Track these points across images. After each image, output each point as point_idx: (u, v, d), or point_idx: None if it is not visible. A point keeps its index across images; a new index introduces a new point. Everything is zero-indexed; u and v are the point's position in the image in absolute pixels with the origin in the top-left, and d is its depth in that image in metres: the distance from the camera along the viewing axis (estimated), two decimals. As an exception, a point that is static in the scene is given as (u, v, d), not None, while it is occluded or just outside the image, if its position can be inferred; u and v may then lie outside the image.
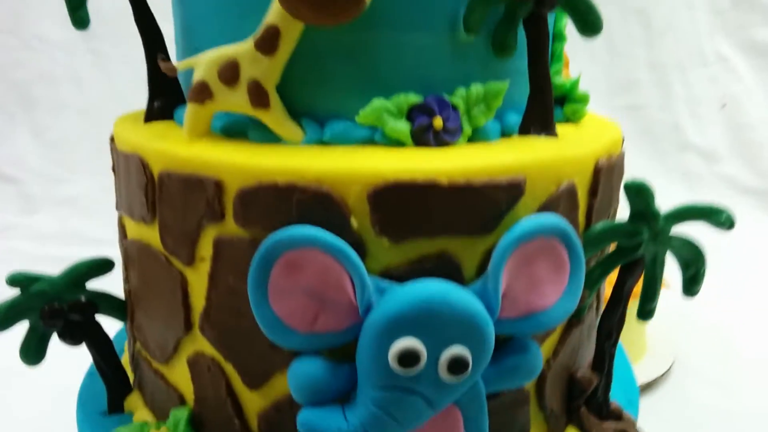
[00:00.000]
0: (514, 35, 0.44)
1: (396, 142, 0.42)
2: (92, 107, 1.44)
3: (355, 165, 0.38)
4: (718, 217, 0.47)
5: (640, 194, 0.45)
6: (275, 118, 0.42)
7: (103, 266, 0.51)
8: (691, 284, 0.50)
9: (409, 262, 0.40)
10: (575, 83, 0.52)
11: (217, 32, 0.44)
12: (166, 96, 0.49)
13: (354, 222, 0.38)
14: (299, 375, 0.39)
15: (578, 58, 0.80)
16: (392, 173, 0.38)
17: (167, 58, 0.48)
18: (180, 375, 0.46)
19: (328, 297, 0.38)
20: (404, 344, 0.37)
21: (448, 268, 0.40)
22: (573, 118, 0.52)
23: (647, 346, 0.85)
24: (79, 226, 1.36)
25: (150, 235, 0.45)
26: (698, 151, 1.70)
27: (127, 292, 0.52)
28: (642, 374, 0.77)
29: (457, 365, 0.37)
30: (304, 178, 0.38)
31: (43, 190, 1.40)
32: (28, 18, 1.43)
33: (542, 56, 0.44)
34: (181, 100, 0.49)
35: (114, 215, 1.37)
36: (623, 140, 0.50)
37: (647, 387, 0.79)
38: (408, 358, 0.37)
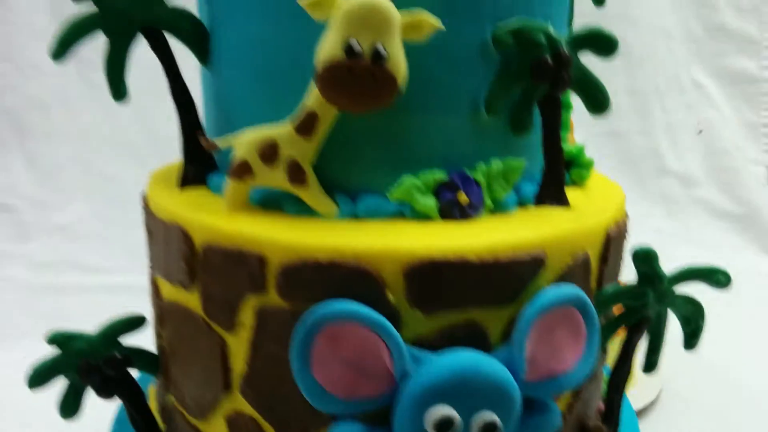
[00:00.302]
0: (530, 115, 0.47)
1: (424, 216, 0.45)
2: (85, 134, 1.46)
3: (390, 243, 0.42)
4: (716, 277, 0.51)
5: (646, 260, 0.49)
6: (312, 194, 0.45)
7: (136, 323, 0.54)
8: (692, 338, 0.54)
9: (440, 331, 0.43)
10: (581, 150, 0.55)
11: (254, 110, 0.47)
12: (199, 162, 0.51)
13: (390, 296, 0.41)
14: (338, 438, 0.42)
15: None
16: (426, 251, 0.41)
17: (200, 127, 0.51)
18: (217, 431, 0.49)
19: (367, 365, 0.41)
20: (440, 412, 0.40)
21: (475, 336, 0.43)
22: (579, 182, 0.56)
23: (635, 375, 0.89)
24: (73, 253, 1.37)
25: (189, 299, 0.48)
26: (676, 175, 1.75)
27: (161, 347, 0.54)
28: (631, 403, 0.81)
29: (488, 429, 0.41)
30: (344, 255, 0.41)
31: (36, 217, 1.40)
32: (20, 44, 1.44)
33: (556, 133, 0.48)
34: (213, 166, 0.52)
35: (109, 243, 1.37)
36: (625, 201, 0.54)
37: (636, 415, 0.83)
38: (443, 424, 0.40)
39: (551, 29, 0.45)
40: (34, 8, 1.42)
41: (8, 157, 1.43)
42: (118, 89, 0.49)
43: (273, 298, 0.43)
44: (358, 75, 0.40)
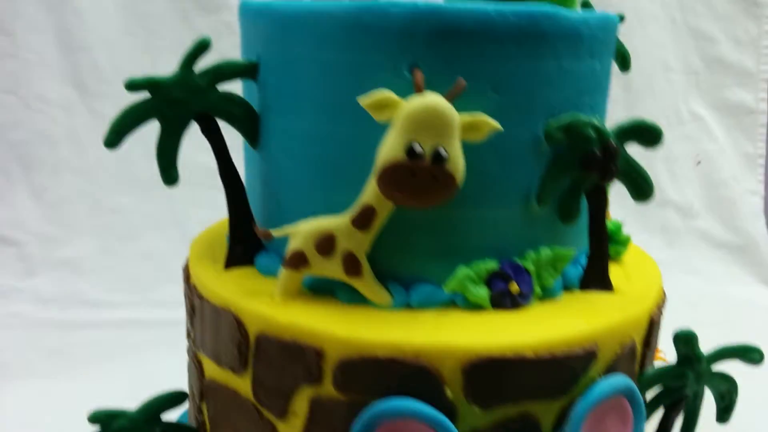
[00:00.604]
0: (578, 204, 0.48)
1: (476, 306, 0.46)
2: (91, 168, 1.45)
3: (449, 339, 0.42)
4: (751, 356, 0.52)
5: (688, 343, 0.50)
6: (366, 284, 0.45)
7: (177, 399, 0.54)
8: (725, 413, 0.55)
9: (495, 424, 0.43)
10: (619, 226, 0.56)
11: (306, 197, 0.48)
12: (246, 243, 0.51)
13: (449, 392, 0.42)
14: None
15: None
16: (484, 349, 0.42)
17: (248, 210, 0.52)
18: None
19: (424, 460, 0.42)
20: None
21: (528, 427, 0.44)
22: (615, 258, 0.57)
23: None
24: (78, 288, 1.36)
25: (238, 383, 0.48)
26: (676, 206, 1.78)
27: (201, 423, 0.54)
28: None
29: None
30: (404, 353, 0.42)
31: (42, 251, 1.40)
32: (26, 77, 1.44)
33: (602, 222, 0.49)
34: (260, 246, 0.52)
35: (115, 277, 1.36)
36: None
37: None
38: None
39: (599, 122, 0.46)
40: (42, 41, 1.42)
41: (14, 191, 1.42)
42: (170, 175, 0.49)
43: (328, 389, 0.44)
44: (418, 175, 0.41)
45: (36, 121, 1.43)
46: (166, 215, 1.49)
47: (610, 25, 0.48)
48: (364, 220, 0.44)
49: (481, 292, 0.46)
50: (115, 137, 0.46)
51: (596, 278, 0.50)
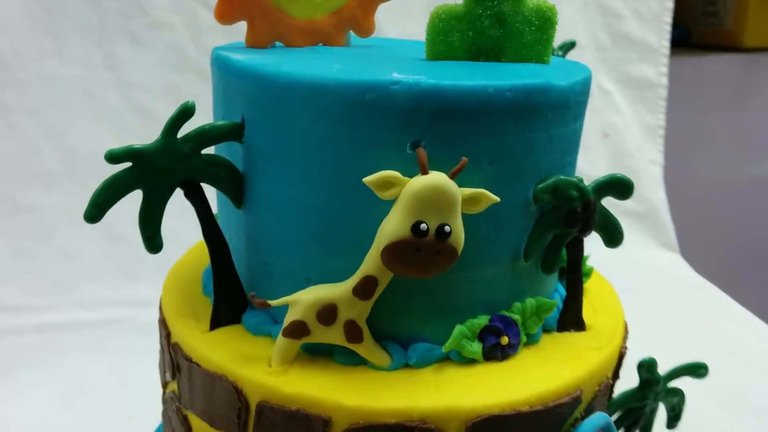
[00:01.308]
0: (559, 257, 0.51)
1: (469, 360, 0.48)
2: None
3: (452, 402, 0.44)
4: (699, 372, 0.58)
5: (650, 369, 0.55)
6: (367, 349, 0.47)
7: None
8: (674, 420, 0.61)
9: (492, 471, 0.46)
10: (584, 258, 0.60)
11: (296, 259, 0.48)
12: (232, 302, 0.51)
13: (453, 450, 0.44)
14: None
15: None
16: (485, 408, 0.44)
17: (233, 271, 0.51)
18: None
19: None
20: None
21: (522, 471, 0.47)
22: (581, 288, 0.60)
23: None
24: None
25: (237, 445, 0.48)
26: (586, 177, 1.87)
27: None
28: None
29: None
30: (411, 418, 0.44)
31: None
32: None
33: (579, 270, 0.52)
34: (245, 303, 0.52)
35: (32, 280, 1.31)
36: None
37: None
38: None
39: (581, 183, 0.49)
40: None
41: None
42: (155, 243, 0.48)
43: (335, 452, 0.45)
44: (423, 251, 0.42)
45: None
46: (82, 210, 1.43)
47: (588, 83, 0.50)
48: (365, 289, 0.45)
49: (476, 348, 0.48)
50: (96, 211, 0.44)
51: (572, 320, 0.53)
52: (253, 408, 0.46)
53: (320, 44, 0.55)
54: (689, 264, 1.92)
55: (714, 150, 2.09)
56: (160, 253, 1.41)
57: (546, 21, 0.52)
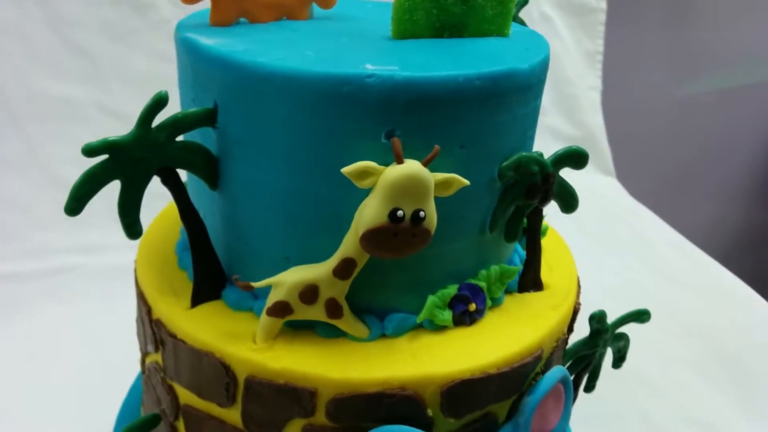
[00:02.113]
0: (521, 226, 0.55)
1: (440, 327, 0.52)
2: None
3: (428, 370, 0.48)
4: (642, 317, 0.64)
5: (600, 321, 0.60)
6: (346, 322, 0.50)
7: (152, 423, 0.56)
8: (620, 361, 0.67)
9: (464, 427, 0.51)
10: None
11: (274, 238, 0.50)
12: (211, 280, 0.53)
13: (429, 412, 0.49)
14: None
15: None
16: (459, 373, 0.49)
17: (212, 250, 0.53)
18: None
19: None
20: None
21: (489, 424, 0.52)
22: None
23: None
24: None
25: (225, 414, 0.52)
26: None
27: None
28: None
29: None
30: (391, 386, 0.48)
31: None
32: None
33: (537, 234, 0.56)
34: (225, 280, 0.54)
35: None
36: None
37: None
38: None
39: (541, 157, 0.52)
40: None
41: None
42: (135, 230, 0.49)
43: (321, 419, 0.49)
44: (400, 235, 0.45)
45: None
46: (23, 156, 1.39)
47: (547, 61, 0.52)
48: (344, 271, 0.47)
49: (446, 316, 0.52)
50: (76, 204, 0.45)
51: (531, 281, 0.58)
52: (241, 382, 0.49)
53: (284, 18, 0.55)
54: (624, 187, 2.00)
55: (649, 71, 2.13)
56: (103, 195, 1.40)
57: (506, -5, 0.53)
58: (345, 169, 0.43)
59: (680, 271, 1.51)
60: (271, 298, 0.48)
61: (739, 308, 1.36)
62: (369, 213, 0.44)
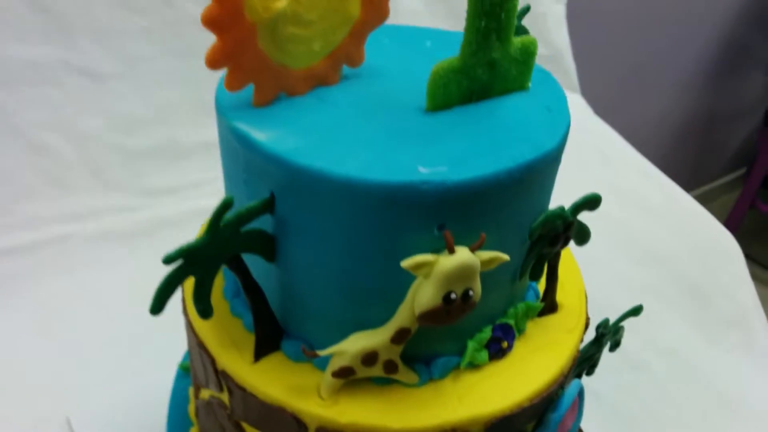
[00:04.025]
0: (543, 267, 0.61)
1: (477, 365, 0.60)
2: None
3: (474, 412, 0.56)
4: (637, 312, 0.73)
5: (605, 326, 0.69)
6: (400, 374, 0.57)
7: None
8: (615, 346, 0.77)
9: (498, 448, 0.60)
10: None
11: (335, 313, 0.56)
12: (273, 337, 0.59)
13: (475, 446, 0.57)
14: None
15: None
16: (500, 411, 0.57)
17: (272, 315, 0.58)
18: None
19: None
20: None
21: (519, 440, 0.62)
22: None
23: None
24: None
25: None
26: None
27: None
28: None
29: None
30: (444, 429, 0.55)
31: None
32: None
33: (556, 271, 0.63)
34: (281, 332, 0.60)
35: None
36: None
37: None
38: None
39: (564, 211, 0.57)
40: None
41: None
42: (207, 314, 0.53)
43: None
44: (452, 312, 0.51)
45: None
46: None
47: (568, 129, 0.57)
48: (400, 338, 0.54)
49: (484, 356, 0.59)
50: (160, 305, 0.49)
51: (549, 307, 0.65)
52: (312, 430, 0.56)
53: (318, 86, 0.57)
54: (589, 104, 2.06)
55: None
56: (86, 157, 1.41)
57: (529, 55, 0.57)
58: (404, 263, 0.48)
59: (644, 197, 1.59)
60: (336, 363, 0.55)
61: (701, 235, 1.46)
62: (425, 297, 0.50)
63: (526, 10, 0.73)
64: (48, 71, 1.37)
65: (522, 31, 0.69)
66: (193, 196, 1.46)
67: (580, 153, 1.79)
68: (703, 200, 3.52)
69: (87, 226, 1.37)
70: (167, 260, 0.48)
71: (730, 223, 2.85)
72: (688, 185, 3.26)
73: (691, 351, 1.23)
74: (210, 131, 1.65)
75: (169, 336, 0.90)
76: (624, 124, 2.46)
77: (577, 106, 2.02)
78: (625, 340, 1.13)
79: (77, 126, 1.39)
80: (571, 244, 0.63)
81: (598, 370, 0.75)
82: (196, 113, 1.48)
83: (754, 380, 1.17)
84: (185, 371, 0.89)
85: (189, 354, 0.71)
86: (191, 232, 1.55)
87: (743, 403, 1.12)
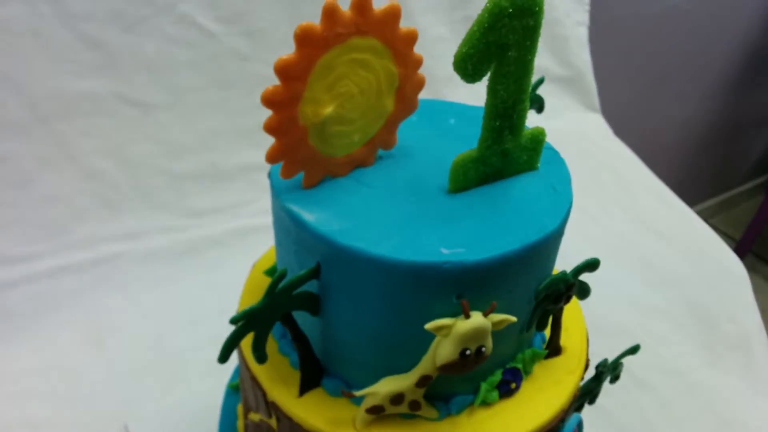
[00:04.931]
0: (548, 320, 0.71)
1: (488, 403, 0.70)
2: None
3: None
4: (634, 351, 0.82)
5: (605, 365, 0.79)
6: (423, 410, 0.67)
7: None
8: (615, 380, 0.86)
9: (508, 471, 0.71)
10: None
11: (369, 360, 0.66)
12: (315, 376, 0.70)
13: (486, 472, 0.68)
14: None
15: None
16: (512, 443, 0.67)
17: (315, 358, 0.69)
18: None
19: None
20: None
21: (526, 465, 0.72)
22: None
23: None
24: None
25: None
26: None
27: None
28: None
29: None
30: (467, 460, 0.66)
31: None
32: None
33: (560, 320, 0.73)
34: (323, 371, 0.70)
35: (21, 229, 1.40)
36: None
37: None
38: None
39: (566, 275, 0.67)
40: None
41: None
42: (263, 359, 0.64)
43: (410, 480, 0.68)
44: (467, 365, 0.61)
45: None
46: (55, 153, 1.47)
47: (571, 204, 0.66)
48: (423, 383, 0.64)
49: (495, 395, 0.69)
50: (226, 356, 0.60)
51: (553, 351, 0.75)
52: (350, 455, 0.67)
53: (356, 168, 0.67)
54: (610, 119, 2.13)
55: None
56: (136, 181, 1.53)
57: (538, 143, 0.67)
58: (427, 326, 0.59)
59: (658, 220, 1.67)
60: (368, 402, 0.65)
61: (710, 260, 1.54)
62: (444, 352, 0.60)
63: (540, 81, 0.83)
64: (102, 103, 1.48)
65: (537, 100, 0.79)
66: (233, 216, 1.57)
67: (599, 175, 1.88)
68: (727, 206, 3.56)
69: (137, 245, 1.49)
70: (233, 321, 0.59)
71: (754, 228, 2.88)
72: (711, 191, 3.31)
73: (695, 371, 1.31)
74: (248, 155, 1.78)
75: (215, 348, 1.01)
76: (647, 131, 2.54)
77: (598, 127, 2.09)
78: (631, 358, 1.22)
79: (128, 153, 1.51)
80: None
81: (603, 386, 0.85)
82: (236, 140, 1.60)
83: (754, 402, 1.25)
84: (234, 389, 1.01)
85: (240, 382, 0.82)
86: (232, 249, 1.68)
87: (743, 425, 1.20)
